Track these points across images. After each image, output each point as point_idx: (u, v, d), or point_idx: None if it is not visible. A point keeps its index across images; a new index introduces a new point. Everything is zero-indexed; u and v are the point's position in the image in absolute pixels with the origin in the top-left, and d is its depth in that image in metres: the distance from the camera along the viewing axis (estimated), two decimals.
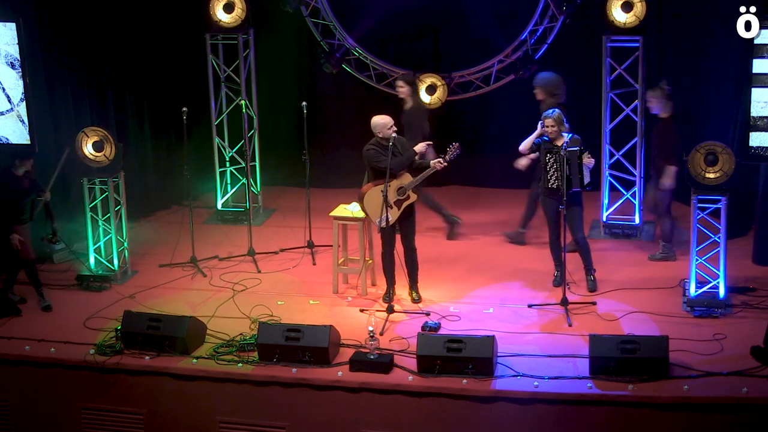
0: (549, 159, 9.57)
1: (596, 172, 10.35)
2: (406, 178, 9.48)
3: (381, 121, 9.53)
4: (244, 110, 11.26)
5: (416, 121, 11.11)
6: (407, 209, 9.58)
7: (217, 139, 12.17)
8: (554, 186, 9.56)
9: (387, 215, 9.32)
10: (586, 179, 9.57)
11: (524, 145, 9.78)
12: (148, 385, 8.86)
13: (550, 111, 9.68)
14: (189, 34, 12.25)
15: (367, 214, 9.66)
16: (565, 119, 9.76)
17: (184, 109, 10.69)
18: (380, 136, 9.50)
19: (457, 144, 9.50)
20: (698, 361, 8.44)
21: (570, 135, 9.65)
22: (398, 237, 9.71)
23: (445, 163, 9.43)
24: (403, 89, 11.21)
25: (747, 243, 10.80)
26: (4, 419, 9.20)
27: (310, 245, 11.00)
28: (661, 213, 10.62)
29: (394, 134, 9.48)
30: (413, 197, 9.52)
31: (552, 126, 9.59)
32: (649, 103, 10.52)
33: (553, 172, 9.55)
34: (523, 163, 10.12)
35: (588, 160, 9.50)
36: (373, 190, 9.53)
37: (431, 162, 9.45)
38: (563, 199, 9.33)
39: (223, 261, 10.96)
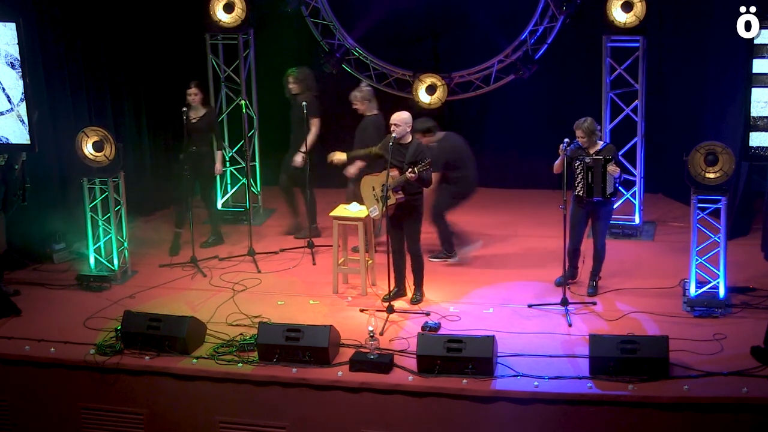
0: (577, 166, 9.53)
1: None
2: (392, 179, 9.42)
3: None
4: (244, 110, 11.25)
5: (213, 125, 11.17)
6: (401, 212, 9.54)
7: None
8: (580, 194, 9.52)
9: (378, 208, 9.55)
10: (609, 189, 9.49)
11: (556, 166, 9.62)
12: (148, 385, 8.86)
13: (582, 120, 9.55)
14: (189, 34, 12.26)
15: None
16: (598, 127, 9.61)
17: (184, 109, 10.70)
18: None
19: (429, 160, 9.37)
20: (698, 361, 8.44)
21: (604, 143, 9.61)
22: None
23: (414, 175, 9.27)
24: (197, 96, 11.08)
25: (749, 242, 10.83)
26: (4, 419, 9.20)
27: (311, 245, 10.99)
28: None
29: (394, 134, 9.46)
30: (393, 198, 9.43)
31: (582, 138, 9.52)
32: (354, 105, 10.91)
33: (581, 179, 9.51)
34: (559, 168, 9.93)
35: (613, 169, 9.42)
36: (366, 177, 9.76)
37: (407, 172, 9.35)
38: (563, 199, 9.35)
39: (223, 261, 10.96)
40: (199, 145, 11.00)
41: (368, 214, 10.00)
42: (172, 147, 12.24)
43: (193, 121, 10.99)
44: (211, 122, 11.14)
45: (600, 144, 9.62)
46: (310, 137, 11.20)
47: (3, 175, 10.03)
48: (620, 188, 11.31)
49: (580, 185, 9.53)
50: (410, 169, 9.24)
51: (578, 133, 9.54)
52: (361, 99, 10.91)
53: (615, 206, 11.28)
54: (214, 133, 11.23)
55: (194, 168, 10.94)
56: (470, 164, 10.79)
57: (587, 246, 9.91)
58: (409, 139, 9.50)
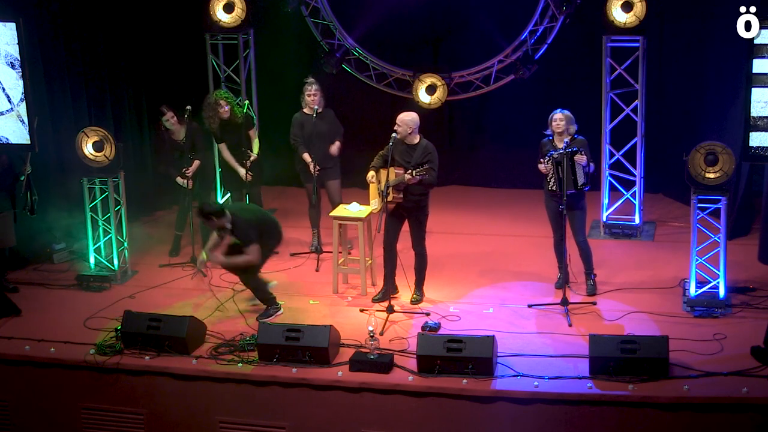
0: (547, 161, 9.54)
1: (596, 172, 10.34)
2: (395, 176, 9.42)
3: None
4: (245, 110, 11.24)
5: (198, 137, 10.93)
6: (406, 211, 9.56)
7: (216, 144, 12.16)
8: (553, 188, 9.53)
9: (378, 202, 9.61)
10: (580, 180, 9.47)
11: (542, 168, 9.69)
12: (148, 385, 8.86)
13: (559, 109, 9.57)
14: (189, 34, 12.26)
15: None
16: (574, 121, 9.60)
17: (188, 107, 10.69)
18: None
19: (428, 167, 9.35)
20: (698, 361, 8.44)
21: (576, 137, 9.58)
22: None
23: (411, 178, 9.29)
24: (174, 119, 10.84)
25: (749, 242, 10.83)
26: (4, 419, 9.20)
27: (318, 251, 10.93)
28: None
29: (394, 134, 9.45)
30: (391, 196, 9.41)
31: (561, 120, 9.48)
32: (314, 95, 10.81)
33: (551, 174, 9.52)
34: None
35: (579, 158, 9.41)
36: (380, 169, 9.72)
37: (405, 174, 9.36)
38: (563, 200, 9.35)
39: None
40: (174, 168, 10.92)
41: (368, 215, 10.01)
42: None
43: (181, 142, 10.85)
44: (195, 137, 10.95)
45: (570, 137, 9.56)
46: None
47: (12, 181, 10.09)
48: (620, 187, 11.35)
49: (552, 180, 9.53)
50: (409, 172, 9.27)
51: (558, 116, 9.49)
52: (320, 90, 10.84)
53: (613, 208, 11.34)
54: (198, 145, 10.97)
55: (195, 173, 10.91)
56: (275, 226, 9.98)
57: (572, 247, 9.87)
58: (417, 140, 9.50)
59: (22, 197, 10.10)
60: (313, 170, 10.75)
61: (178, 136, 10.88)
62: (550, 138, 9.61)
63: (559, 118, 9.53)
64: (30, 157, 10.14)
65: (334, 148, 10.85)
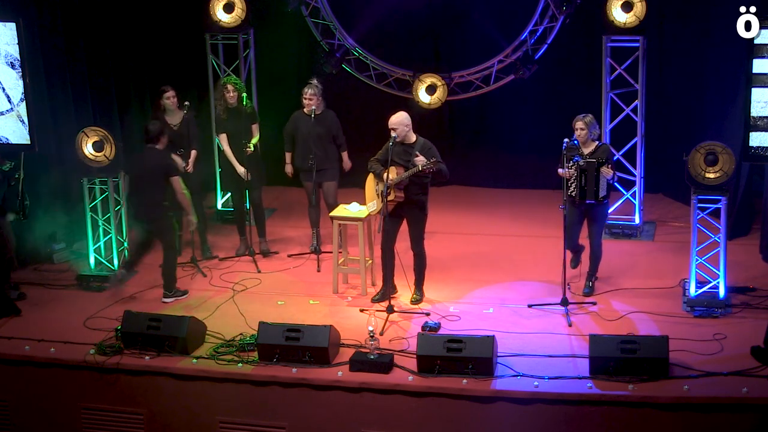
0: (571, 167, 9.48)
1: None
2: (395, 174, 9.42)
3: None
4: (245, 103, 11.23)
5: (194, 127, 10.84)
6: (404, 211, 9.55)
7: (217, 139, 12.17)
8: (572, 194, 9.52)
9: (377, 203, 9.62)
10: (602, 192, 9.46)
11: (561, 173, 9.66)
12: (148, 385, 8.86)
13: (582, 114, 9.55)
14: (189, 34, 12.26)
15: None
16: (597, 126, 9.62)
17: (187, 102, 10.67)
18: None
19: (435, 160, 9.31)
20: (698, 361, 8.44)
21: (600, 143, 9.61)
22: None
23: (420, 167, 9.26)
24: (175, 99, 10.73)
25: (749, 242, 10.83)
26: (4, 419, 9.20)
27: (317, 251, 10.92)
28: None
29: (394, 135, 9.43)
30: (393, 195, 9.40)
31: (582, 129, 9.47)
32: (310, 100, 10.70)
33: (574, 179, 9.50)
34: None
35: (606, 171, 9.39)
36: (372, 176, 9.74)
37: (423, 165, 9.31)
38: (564, 200, 9.34)
39: (224, 261, 10.96)
40: (186, 148, 10.78)
41: (368, 214, 10.01)
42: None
43: (174, 127, 10.74)
44: (189, 126, 10.83)
45: (596, 143, 9.61)
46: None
47: (6, 180, 10.06)
48: (620, 187, 11.34)
49: (573, 186, 9.51)
50: (430, 161, 9.19)
51: (578, 125, 9.49)
52: (318, 93, 10.76)
53: (613, 208, 11.33)
54: (192, 134, 10.86)
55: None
56: None
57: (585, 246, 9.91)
58: (413, 138, 9.50)
59: (16, 202, 10.06)
60: (290, 172, 10.96)
61: (173, 120, 10.79)
62: (576, 143, 9.53)
63: (580, 127, 9.49)
64: (22, 161, 10.11)
65: (347, 162, 11.03)
